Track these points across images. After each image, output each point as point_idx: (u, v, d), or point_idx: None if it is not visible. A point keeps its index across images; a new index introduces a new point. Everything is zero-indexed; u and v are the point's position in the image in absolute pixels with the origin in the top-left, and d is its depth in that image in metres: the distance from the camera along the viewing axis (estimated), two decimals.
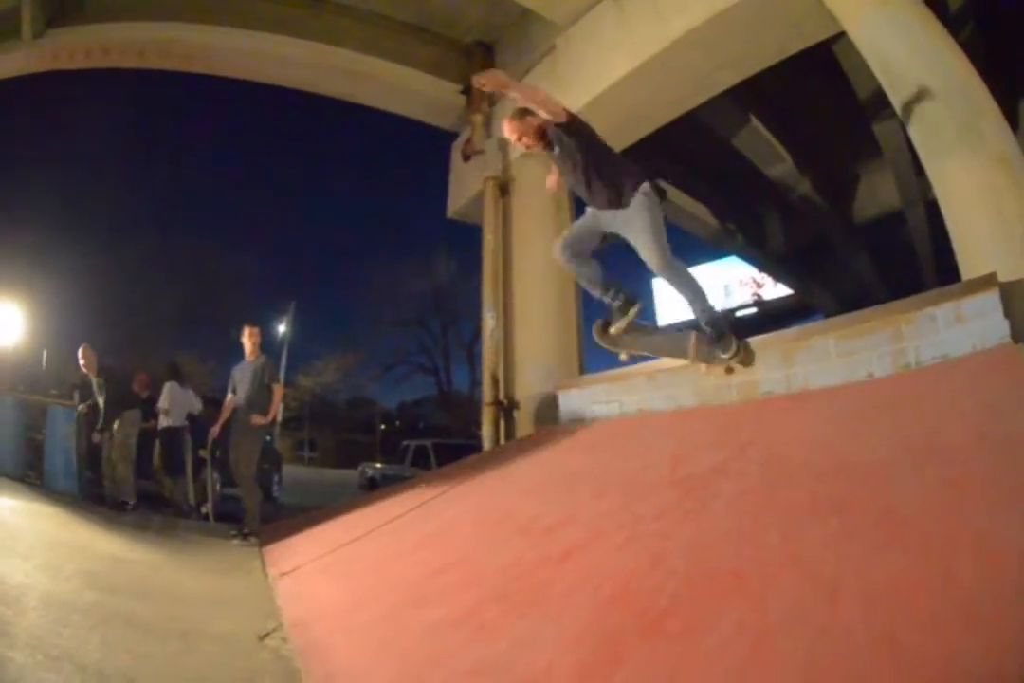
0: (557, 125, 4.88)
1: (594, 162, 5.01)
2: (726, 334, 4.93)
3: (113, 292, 35.23)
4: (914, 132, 6.18)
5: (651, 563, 2.60)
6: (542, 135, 5.10)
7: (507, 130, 5.14)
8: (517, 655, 2.33)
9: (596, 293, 5.21)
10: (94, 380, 8.69)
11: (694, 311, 5.03)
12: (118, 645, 3.01)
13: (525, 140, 5.10)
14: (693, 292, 4.98)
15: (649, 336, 5.26)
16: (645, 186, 4.93)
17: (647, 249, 4.83)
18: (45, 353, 20.98)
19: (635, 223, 4.89)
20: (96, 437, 8.53)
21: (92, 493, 8.84)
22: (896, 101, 6.33)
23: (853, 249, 19.37)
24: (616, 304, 5.08)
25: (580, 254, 5.18)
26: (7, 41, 11.88)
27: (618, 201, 4.96)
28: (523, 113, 5.05)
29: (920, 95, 5.99)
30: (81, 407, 8.75)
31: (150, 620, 3.55)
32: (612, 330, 5.06)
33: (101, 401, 8.53)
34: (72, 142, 45.94)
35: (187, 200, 64.57)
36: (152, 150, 59.94)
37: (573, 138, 4.93)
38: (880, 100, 7.84)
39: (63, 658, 2.65)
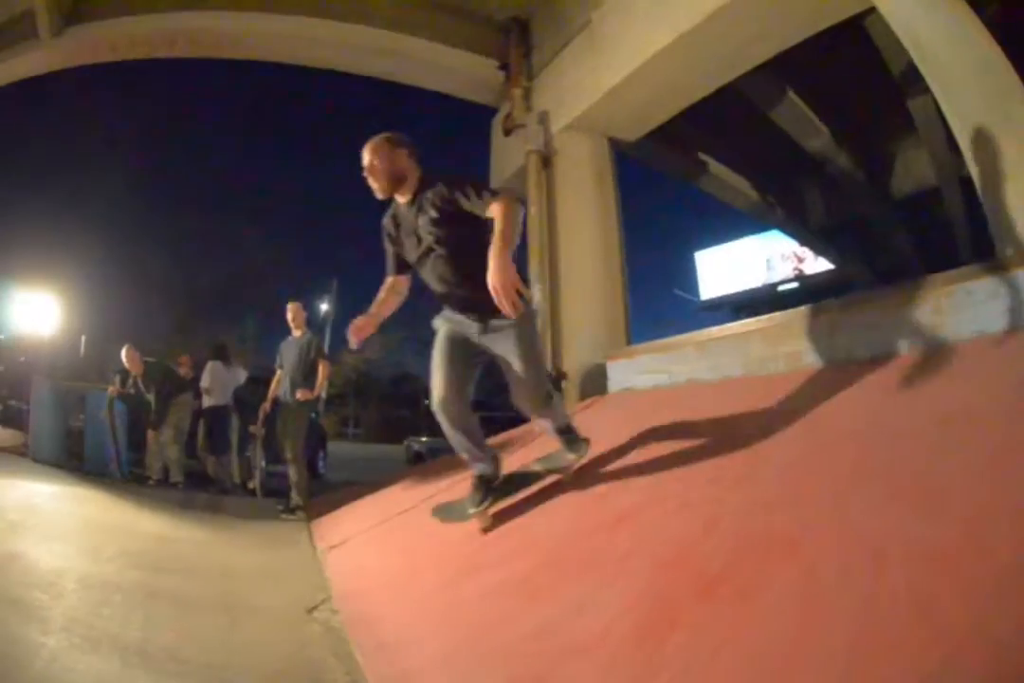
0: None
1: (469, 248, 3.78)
2: (579, 438, 4.26)
3: (153, 275, 35.50)
4: (946, 108, 5.91)
5: (704, 528, 2.61)
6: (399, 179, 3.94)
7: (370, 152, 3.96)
8: (573, 620, 2.32)
9: (466, 457, 4.18)
10: (140, 379, 8.69)
11: (557, 426, 4.23)
12: (162, 623, 2.95)
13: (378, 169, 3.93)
14: (559, 414, 4.24)
15: (521, 478, 4.32)
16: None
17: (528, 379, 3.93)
18: (84, 339, 21.13)
19: (514, 342, 3.89)
20: (151, 433, 8.54)
21: (134, 475, 8.90)
22: (928, 77, 6.10)
23: (891, 225, 19.07)
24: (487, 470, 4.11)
25: (466, 398, 4.23)
26: (25, 42, 11.99)
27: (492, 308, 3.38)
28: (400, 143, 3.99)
29: (950, 72, 5.83)
30: (111, 389, 8.73)
31: (196, 597, 3.50)
32: (478, 509, 3.94)
33: (152, 398, 8.53)
34: (109, 129, 46.14)
35: (225, 181, 64.70)
36: (190, 132, 60.26)
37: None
38: (912, 75, 7.68)
39: (101, 639, 2.59)
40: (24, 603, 2.87)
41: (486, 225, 3.63)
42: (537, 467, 4.27)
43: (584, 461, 4.29)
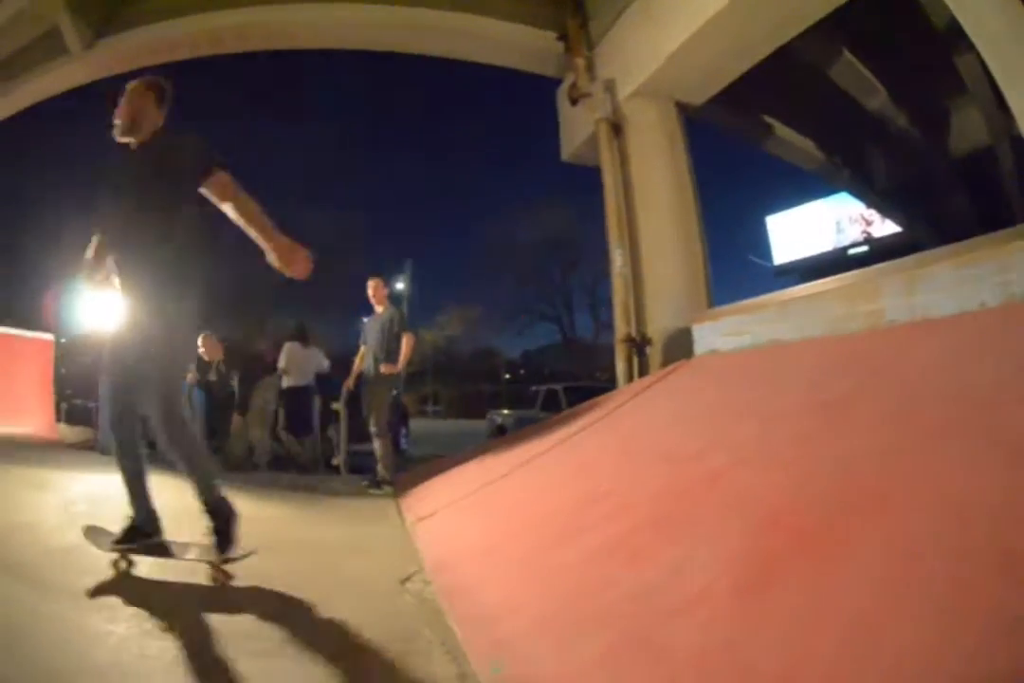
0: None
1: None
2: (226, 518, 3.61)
3: (223, 262, 35.80)
4: (991, 66, 5.89)
5: (798, 485, 2.59)
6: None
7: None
8: (672, 580, 2.29)
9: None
10: (221, 366, 8.68)
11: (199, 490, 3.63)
12: (247, 603, 2.90)
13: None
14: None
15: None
16: None
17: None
18: None
19: None
20: (236, 418, 8.52)
21: (214, 459, 8.83)
22: (970, 33, 6.06)
23: (951, 185, 18.70)
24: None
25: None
26: (56, 58, 12.20)
27: None
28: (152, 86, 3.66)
29: (994, 30, 5.77)
30: (189, 377, 8.72)
31: (281, 574, 3.44)
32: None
33: (235, 383, 8.52)
34: (183, 117, 46.89)
35: (297, 163, 65.42)
36: (261, 121, 60.95)
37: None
38: (957, 31, 7.42)
39: (174, 622, 2.52)
40: (90, 593, 2.83)
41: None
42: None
43: (671, 424, 4.46)
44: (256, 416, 8.77)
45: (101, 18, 11.99)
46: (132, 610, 2.60)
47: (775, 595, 1.90)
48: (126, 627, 2.40)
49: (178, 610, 2.67)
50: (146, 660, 2.14)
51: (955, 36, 10.45)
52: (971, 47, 6.59)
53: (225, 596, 2.96)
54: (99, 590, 2.87)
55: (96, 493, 5.30)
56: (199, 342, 8.71)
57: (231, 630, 2.50)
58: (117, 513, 4.11)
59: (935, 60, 13.49)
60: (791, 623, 1.76)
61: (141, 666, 2.11)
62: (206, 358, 8.99)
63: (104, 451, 8.10)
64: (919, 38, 12.81)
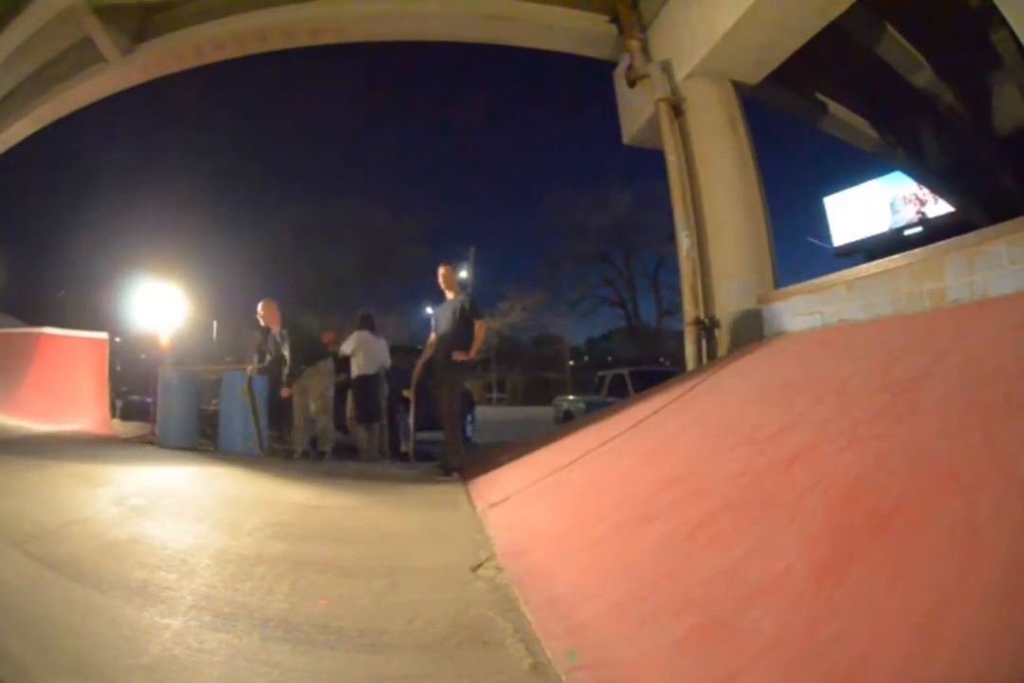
0: None
1: None
2: None
3: (283, 257, 36.36)
4: None
5: (874, 464, 2.59)
6: None
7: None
8: (753, 561, 2.30)
9: None
10: (276, 333, 8.61)
11: None
12: (311, 592, 2.87)
13: None
14: None
15: None
16: None
17: None
18: (215, 324, 21.67)
19: None
20: (285, 391, 8.47)
21: (276, 451, 8.99)
22: (1003, 9, 6.06)
23: (997, 163, 18.34)
24: None
25: None
26: (93, 66, 12.38)
27: None
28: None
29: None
30: (250, 369, 8.71)
31: (349, 563, 3.41)
32: None
33: (286, 353, 8.45)
34: (235, 119, 47.70)
35: (354, 158, 66.07)
36: (318, 116, 61.69)
37: None
38: (991, 8, 7.21)
39: (237, 615, 2.52)
40: (144, 586, 2.80)
41: None
42: None
43: (747, 405, 4.48)
44: (320, 404, 8.73)
45: (136, 24, 12.16)
46: (191, 602, 2.56)
47: (854, 576, 1.91)
48: (183, 621, 2.36)
49: (240, 600, 2.64)
50: (203, 654, 2.09)
51: (988, 11, 10.18)
52: (1004, 22, 6.41)
53: (290, 585, 2.89)
54: (155, 583, 2.82)
55: (152, 485, 5.38)
56: (259, 308, 8.74)
57: (298, 621, 2.46)
58: (188, 501, 4.11)
59: (972, 35, 13.44)
60: (869, 604, 1.76)
61: (197, 660, 2.05)
62: (263, 323, 8.96)
63: (166, 444, 8.15)
64: (958, 13, 12.69)
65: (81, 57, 12.24)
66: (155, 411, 9.11)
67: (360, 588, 2.96)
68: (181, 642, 2.16)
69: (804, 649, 1.73)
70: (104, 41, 11.64)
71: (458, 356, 7.16)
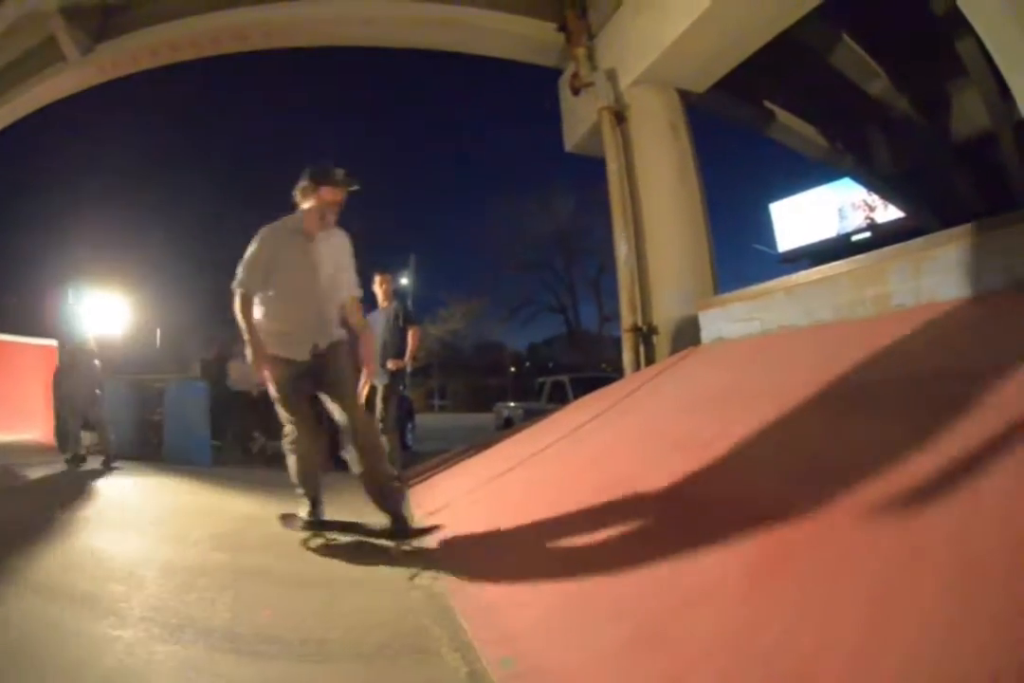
0: None
1: None
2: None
3: (228, 262, 36.05)
4: (992, 50, 5.82)
5: (808, 468, 2.65)
6: None
7: None
8: (686, 569, 2.32)
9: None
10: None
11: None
12: (253, 603, 2.93)
13: None
14: None
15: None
16: None
17: None
18: (159, 332, 21.44)
19: None
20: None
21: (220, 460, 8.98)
22: (970, 18, 6.00)
23: (953, 170, 18.75)
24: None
25: None
26: (53, 65, 12.31)
27: None
28: None
29: (992, 14, 5.72)
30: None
31: (289, 574, 3.47)
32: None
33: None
34: (175, 126, 47.05)
35: (298, 163, 65.48)
36: (255, 120, 61.17)
37: None
38: (957, 16, 7.44)
39: (184, 626, 2.56)
40: (97, 598, 2.83)
41: None
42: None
43: (682, 412, 4.50)
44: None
45: (98, 24, 12.07)
46: (140, 614, 2.61)
47: (790, 582, 1.93)
48: (133, 632, 2.40)
49: (186, 611, 2.68)
50: (153, 665, 2.14)
51: (954, 19, 10.39)
52: (970, 30, 6.60)
53: (233, 596, 2.94)
54: (106, 595, 2.85)
55: (101, 495, 5.39)
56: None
57: (241, 631, 2.51)
58: (136, 512, 4.15)
59: (934, 44, 13.55)
60: (807, 610, 1.78)
61: (148, 671, 2.11)
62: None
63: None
64: (918, 22, 12.85)
65: (43, 57, 12.19)
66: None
67: (301, 598, 3.02)
68: (133, 653, 2.20)
69: (744, 654, 1.75)
70: (66, 40, 11.63)
71: (393, 364, 7.22)
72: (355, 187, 4.46)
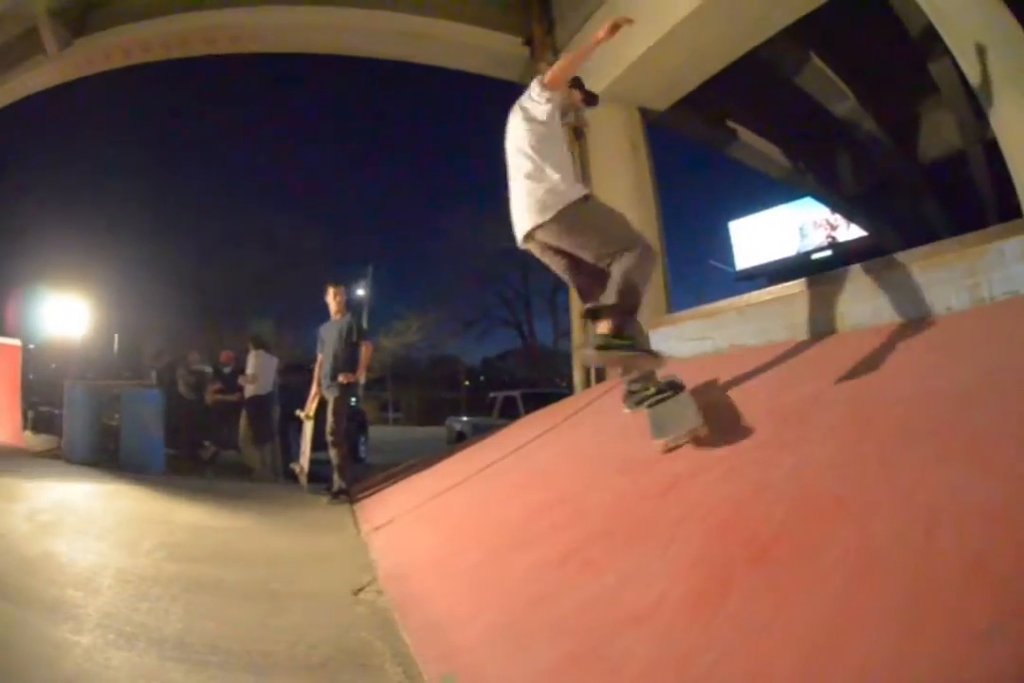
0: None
1: None
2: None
3: (184, 270, 35.78)
4: (967, 72, 5.93)
5: (754, 492, 2.62)
6: None
7: None
8: (625, 589, 2.31)
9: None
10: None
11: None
12: (203, 613, 2.96)
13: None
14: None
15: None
16: None
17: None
18: (116, 337, 21.30)
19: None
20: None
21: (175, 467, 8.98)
22: (947, 39, 6.12)
23: (920, 190, 18.94)
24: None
25: None
26: (32, 58, 12.16)
27: None
28: None
29: (971, 35, 5.78)
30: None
31: (238, 585, 3.52)
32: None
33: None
34: (133, 130, 46.55)
35: (253, 171, 65.17)
36: (213, 129, 60.72)
37: None
38: (932, 37, 7.61)
39: (138, 634, 2.59)
40: (57, 603, 2.87)
41: None
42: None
43: (627, 432, 4.28)
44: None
45: (77, 18, 11.98)
46: (97, 620, 2.66)
47: (732, 606, 1.92)
48: (91, 638, 2.45)
49: (139, 620, 2.74)
50: (109, 671, 2.20)
51: (929, 41, 10.52)
52: (946, 52, 6.69)
53: (184, 606, 2.99)
54: (65, 600, 2.91)
55: (60, 501, 5.39)
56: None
57: (191, 641, 2.55)
58: (92, 519, 4.22)
59: (907, 65, 13.64)
60: (746, 634, 1.78)
61: (105, 677, 2.16)
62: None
63: (72, 459, 8.11)
64: (892, 43, 12.92)
65: (22, 50, 12.03)
66: (62, 425, 9.02)
67: (248, 610, 3.06)
68: (91, 658, 2.24)
69: (679, 678, 1.74)
70: (48, 34, 11.49)
71: (344, 378, 7.27)
72: None
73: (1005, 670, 1.29)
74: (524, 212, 4.06)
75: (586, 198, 3.99)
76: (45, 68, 12.34)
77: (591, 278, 4.08)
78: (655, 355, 3.91)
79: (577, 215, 3.90)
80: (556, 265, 4.24)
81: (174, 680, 2.22)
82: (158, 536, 4.38)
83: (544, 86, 4.25)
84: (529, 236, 4.08)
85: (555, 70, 4.26)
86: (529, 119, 4.27)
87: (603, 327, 3.79)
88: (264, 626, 2.85)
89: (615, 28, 4.15)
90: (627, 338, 3.77)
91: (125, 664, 2.28)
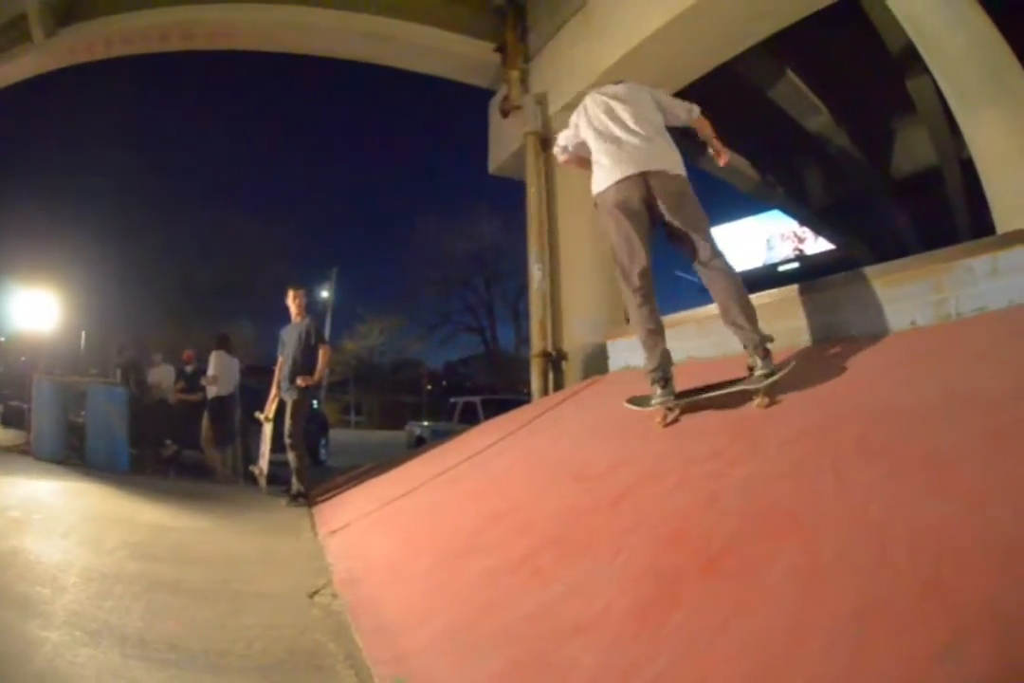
0: None
1: None
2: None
3: (150, 268, 35.46)
4: (946, 90, 6.04)
5: (704, 504, 2.64)
6: None
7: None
8: (573, 598, 2.34)
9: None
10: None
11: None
12: (163, 612, 3.01)
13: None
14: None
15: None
16: None
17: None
18: (84, 334, 21.12)
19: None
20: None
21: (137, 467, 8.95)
22: (928, 58, 6.19)
23: (891, 205, 19.10)
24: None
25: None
26: (18, 46, 12.18)
27: None
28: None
29: (950, 54, 5.89)
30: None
31: (197, 585, 3.56)
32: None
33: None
34: (102, 126, 45.97)
35: (221, 171, 64.61)
36: (181, 126, 60.12)
37: None
38: (911, 55, 7.74)
39: (102, 631, 2.64)
40: (27, 599, 2.93)
41: None
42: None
43: (581, 441, 4.50)
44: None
45: (65, 7, 12.03)
46: (64, 617, 2.71)
47: (677, 615, 1.94)
48: (59, 634, 2.51)
49: (103, 617, 2.79)
50: (76, 667, 2.26)
51: (908, 58, 10.76)
52: (924, 70, 6.78)
53: (145, 605, 3.05)
54: (34, 597, 2.96)
55: (28, 498, 5.47)
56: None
57: (152, 639, 2.60)
58: (58, 516, 4.28)
59: (885, 82, 13.78)
60: (692, 644, 1.79)
61: (73, 673, 2.22)
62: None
63: (40, 455, 8.11)
64: (869, 60, 13.07)
65: (9, 37, 12.04)
66: (30, 421, 9.00)
67: (207, 610, 3.11)
68: (60, 655, 2.32)
69: None
70: (35, 22, 11.56)
71: (303, 380, 7.31)
72: None
73: None
74: None
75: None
76: (31, 56, 12.38)
77: None
78: None
79: None
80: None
81: (136, 678, 2.26)
82: (121, 535, 4.43)
83: (690, 115, 5.02)
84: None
85: (705, 124, 5.14)
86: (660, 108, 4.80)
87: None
88: (222, 626, 2.89)
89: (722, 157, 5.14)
90: None
91: (91, 661, 2.33)
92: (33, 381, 9.09)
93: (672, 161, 4.39)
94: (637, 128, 4.47)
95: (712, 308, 5.57)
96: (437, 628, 2.61)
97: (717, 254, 4.14)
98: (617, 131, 4.49)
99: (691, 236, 4.19)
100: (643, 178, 4.24)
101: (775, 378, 3.66)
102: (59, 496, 5.98)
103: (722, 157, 5.10)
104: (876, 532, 1.89)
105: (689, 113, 4.90)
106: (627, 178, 4.28)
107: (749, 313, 4.05)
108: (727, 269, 4.14)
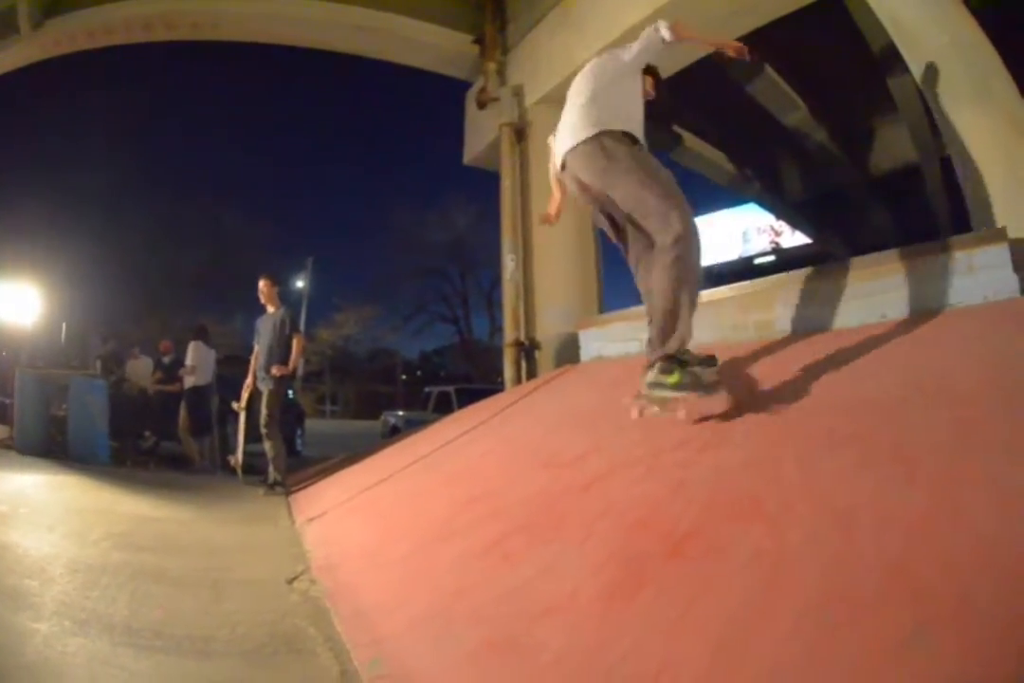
0: None
1: None
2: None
3: (129, 260, 35.20)
4: (926, 89, 6.03)
5: (672, 491, 2.67)
6: None
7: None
8: (542, 581, 2.40)
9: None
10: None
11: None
12: (148, 601, 3.07)
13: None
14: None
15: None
16: None
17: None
18: (64, 326, 21.01)
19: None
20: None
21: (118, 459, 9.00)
22: (908, 58, 6.23)
23: (869, 201, 19.12)
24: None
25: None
26: (6, 38, 12.05)
27: None
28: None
29: (931, 53, 5.89)
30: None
31: (180, 574, 3.63)
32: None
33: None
34: (83, 118, 45.55)
35: (198, 162, 64.10)
36: (158, 118, 59.53)
37: None
38: (892, 55, 7.76)
39: (91, 621, 2.70)
40: (16, 591, 2.99)
41: None
42: None
43: (552, 429, 4.54)
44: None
45: None
46: (53, 608, 2.78)
47: (643, 597, 1.99)
48: (49, 625, 2.57)
49: (90, 607, 2.86)
50: (67, 657, 2.33)
51: (889, 57, 10.72)
52: (905, 68, 6.80)
53: (132, 594, 3.11)
54: (23, 589, 3.02)
55: (13, 492, 5.53)
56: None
57: (138, 627, 2.67)
58: (43, 510, 4.34)
59: (863, 79, 13.84)
60: (657, 625, 1.84)
61: (64, 662, 2.29)
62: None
63: (23, 449, 8.13)
64: (850, 58, 13.12)
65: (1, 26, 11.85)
66: (13, 414, 8.99)
67: (190, 598, 3.19)
68: (50, 645, 2.39)
69: (590, 666, 1.80)
70: (24, 12, 11.44)
71: (277, 370, 7.39)
72: None
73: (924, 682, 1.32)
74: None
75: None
76: (17, 48, 12.26)
77: None
78: None
79: None
80: None
81: (125, 665, 2.33)
82: (105, 526, 4.49)
83: (658, 33, 3.96)
84: None
85: (684, 27, 3.97)
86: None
87: None
88: (205, 613, 2.97)
89: (740, 51, 4.04)
90: None
91: (81, 650, 2.40)
92: (16, 375, 9.08)
93: (590, 122, 3.82)
94: (574, 100, 4.17)
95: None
96: (413, 612, 2.67)
97: (678, 238, 3.46)
98: (564, 115, 4.18)
99: (639, 222, 3.71)
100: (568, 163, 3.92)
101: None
102: (44, 489, 6.05)
103: (731, 49, 4.07)
104: (843, 519, 1.93)
105: (655, 31, 3.98)
106: (563, 167, 4.04)
107: (666, 325, 3.64)
108: (673, 259, 3.48)
